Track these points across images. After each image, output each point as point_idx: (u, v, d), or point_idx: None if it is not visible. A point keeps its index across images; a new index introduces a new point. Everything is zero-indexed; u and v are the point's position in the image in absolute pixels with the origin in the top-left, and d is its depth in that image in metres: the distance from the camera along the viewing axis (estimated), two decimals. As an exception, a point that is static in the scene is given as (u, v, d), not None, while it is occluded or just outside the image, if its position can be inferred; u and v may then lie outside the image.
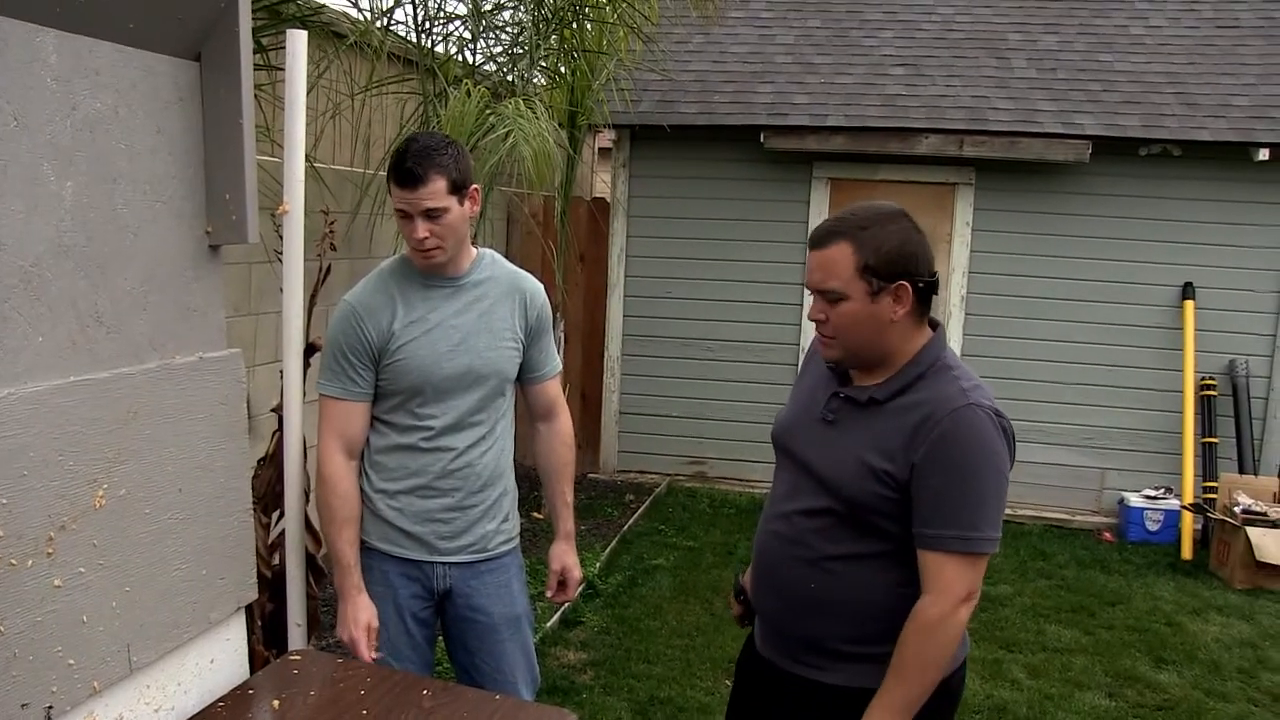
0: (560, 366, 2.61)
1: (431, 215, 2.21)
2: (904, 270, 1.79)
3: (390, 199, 2.25)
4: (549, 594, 2.63)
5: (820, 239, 1.83)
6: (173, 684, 1.81)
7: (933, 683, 1.79)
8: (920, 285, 1.81)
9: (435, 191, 2.20)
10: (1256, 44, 7.02)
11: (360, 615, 2.29)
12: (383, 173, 4.81)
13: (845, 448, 1.85)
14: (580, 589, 2.68)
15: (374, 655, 2.28)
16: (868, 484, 1.80)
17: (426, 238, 2.22)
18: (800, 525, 1.90)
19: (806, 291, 1.95)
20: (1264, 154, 6.10)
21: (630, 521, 6.01)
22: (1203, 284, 6.36)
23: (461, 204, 2.26)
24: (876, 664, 1.84)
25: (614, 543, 5.58)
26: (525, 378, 2.50)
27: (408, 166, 2.19)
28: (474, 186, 2.30)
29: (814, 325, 1.89)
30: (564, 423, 2.59)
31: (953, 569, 1.75)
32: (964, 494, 1.75)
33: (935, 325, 1.91)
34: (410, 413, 2.32)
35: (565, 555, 2.59)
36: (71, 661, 1.55)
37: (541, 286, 2.49)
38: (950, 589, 1.75)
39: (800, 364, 2.15)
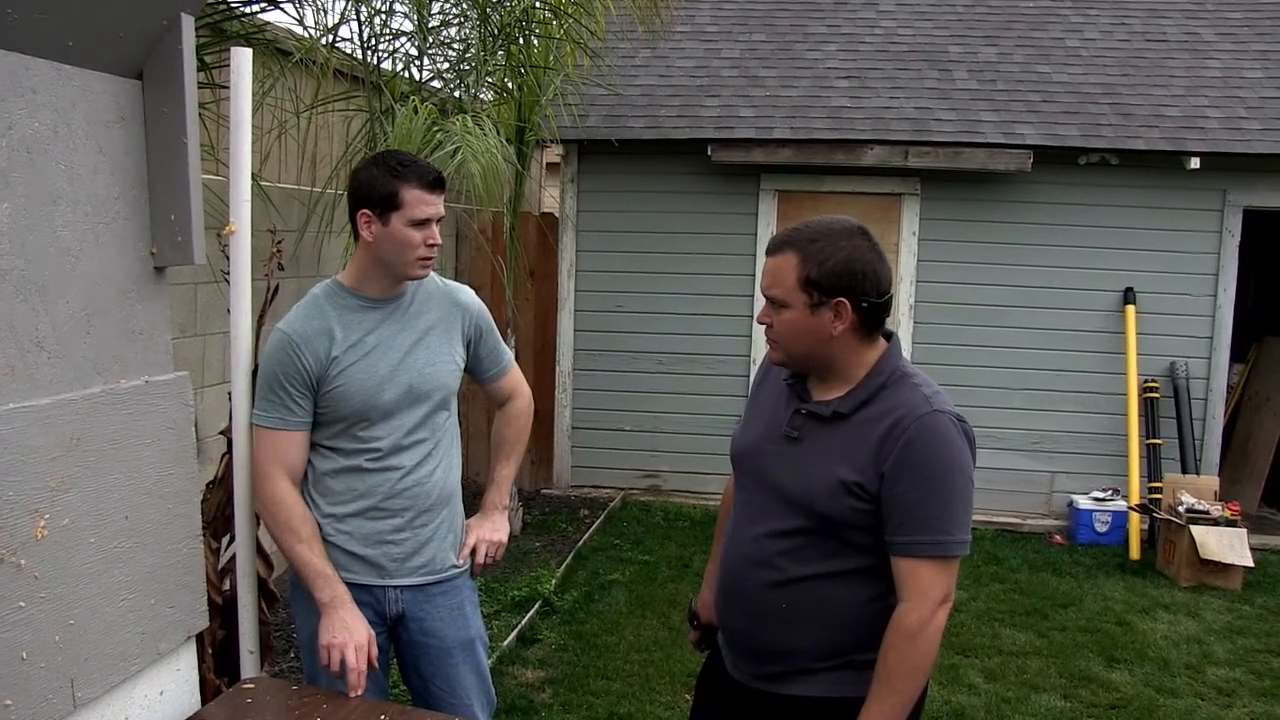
0: (512, 354, 2.61)
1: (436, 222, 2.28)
2: (846, 287, 1.80)
3: (402, 209, 2.19)
4: (459, 558, 2.42)
5: (774, 247, 1.87)
6: (120, 718, 1.76)
7: (919, 688, 1.81)
8: (864, 305, 1.81)
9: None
10: (1182, 58, 7.24)
11: (359, 625, 2.15)
12: (330, 190, 4.78)
13: (814, 464, 1.85)
14: (500, 552, 2.47)
15: (361, 681, 2.10)
16: (840, 498, 1.80)
17: (438, 244, 2.27)
18: (769, 548, 1.89)
19: (757, 299, 1.96)
20: (1195, 162, 6.28)
21: (585, 537, 5.99)
22: (1143, 289, 6.51)
23: None
24: (852, 670, 1.85)
25: (569, 558, 5.55)
26: (484, 377, 2.51)
27: (435, 172, 2.24)
28: None
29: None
30: (515, 403, 2.58)
31: (927, 573, 1.78)
32: (933, 499, 1.77)
33: (889, 336, 1.93)
34: (354, 436, 2.28)
35: (475, 526, 2.46)
36: (9, 702, 1.49)
37: (473, 291, 2.50)
38: (926, 594, 1.78)
39: (753, 378, 2.16)
